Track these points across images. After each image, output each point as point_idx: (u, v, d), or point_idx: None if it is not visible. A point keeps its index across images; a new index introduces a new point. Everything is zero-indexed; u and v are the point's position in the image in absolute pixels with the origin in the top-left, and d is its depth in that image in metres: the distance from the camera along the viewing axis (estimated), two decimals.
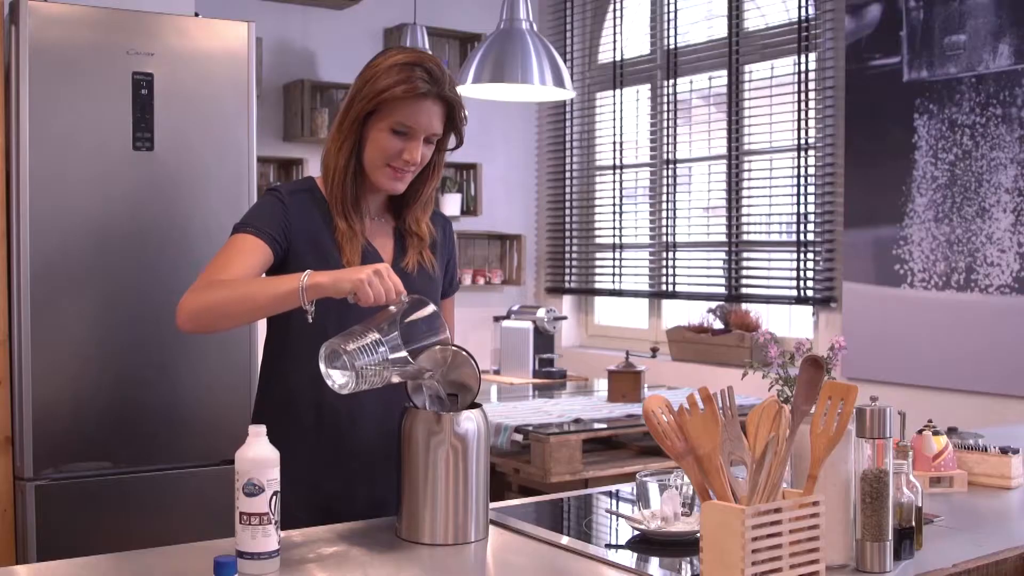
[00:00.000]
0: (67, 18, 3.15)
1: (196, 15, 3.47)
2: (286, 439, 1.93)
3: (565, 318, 6.20)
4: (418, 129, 2.15)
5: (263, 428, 1.76)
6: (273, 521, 1.72)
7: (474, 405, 1.94)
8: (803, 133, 5.31)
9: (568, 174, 6.82)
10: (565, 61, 6.51)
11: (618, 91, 6.46)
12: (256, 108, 3.44)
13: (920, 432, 2.42)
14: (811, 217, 5.28)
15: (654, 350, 5.50)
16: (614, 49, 6.49)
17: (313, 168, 6.11)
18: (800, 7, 5.32)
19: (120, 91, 3.20)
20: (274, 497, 1.73)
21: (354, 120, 2.15)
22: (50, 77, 3.10)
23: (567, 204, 6.84)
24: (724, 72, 5.78)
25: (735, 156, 5.71)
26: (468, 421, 1.88)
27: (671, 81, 6.10)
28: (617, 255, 6.49)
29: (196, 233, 3.30)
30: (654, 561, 1.85)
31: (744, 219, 5.71)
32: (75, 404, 3.16)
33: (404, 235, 2.27)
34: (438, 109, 2.17)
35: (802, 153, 5.32)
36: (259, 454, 1.73)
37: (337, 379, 1.83)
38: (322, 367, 1.84)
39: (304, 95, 6.02)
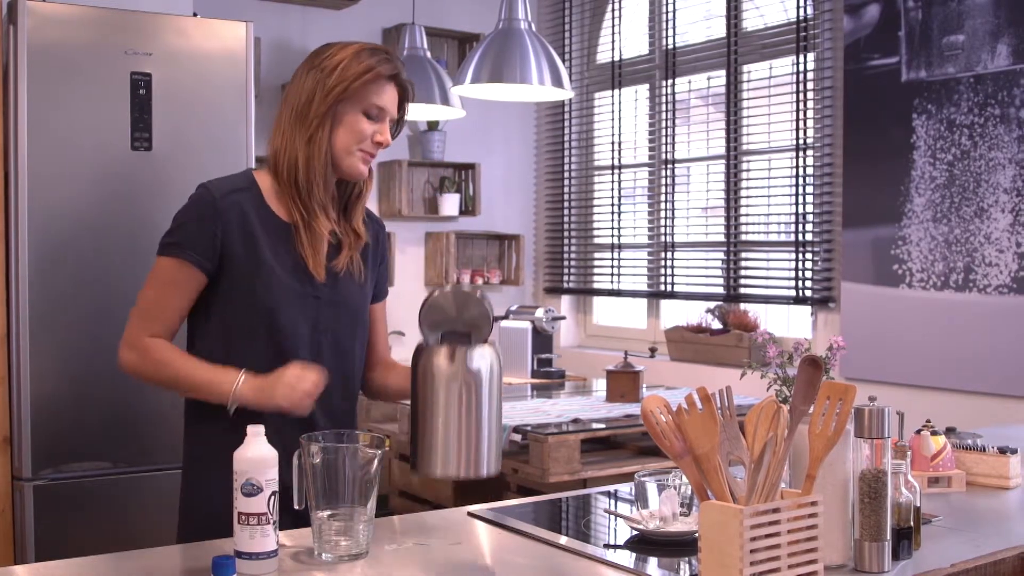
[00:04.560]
0: (65, 18, 3.15)
1: (195, 15, 3.47)
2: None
3: (564, 318, 6.15)
4: (387, 111, 2.20)
5: (261, 428, 1.76)
6: (272, 521, 1.72)
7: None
8: (801, 133, 5.31)
9: (567, 174, 6.82)
10: (564, 61, 6.51)
11: (617, 91, 6.47)
12: (255, 108, 3.44)
13: (918, 432, 2.42)
14: (810, 217, 5.28)
15: (652, 350, 5.51)
16: (612, 49, 6.49)
17: None
18: (799, 7, 5.32)
19: (118, 91, 3.20)
20: (272, 497, 1.73)
21: (327, 108, 2.15)
22: (48, 77, 3.10)
23: (566, 204, 6.84)
24: (723, 72, 5.78)
25: (733, 156, 5.72)
26: (481, 358, 1.86)
27: (670, 81, 6.11)
28: (616, 255, 6.50)
29: None
30: (652, 561, 1.85)
31: (743, 219, 5.71)
32: (74, 404, 3.16)
33: (341, 233, 2.25)
34: (396, 93, 2.23)
35: (800, 153, 5.32)
36: (257, 454, 1.73)
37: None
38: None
39: None
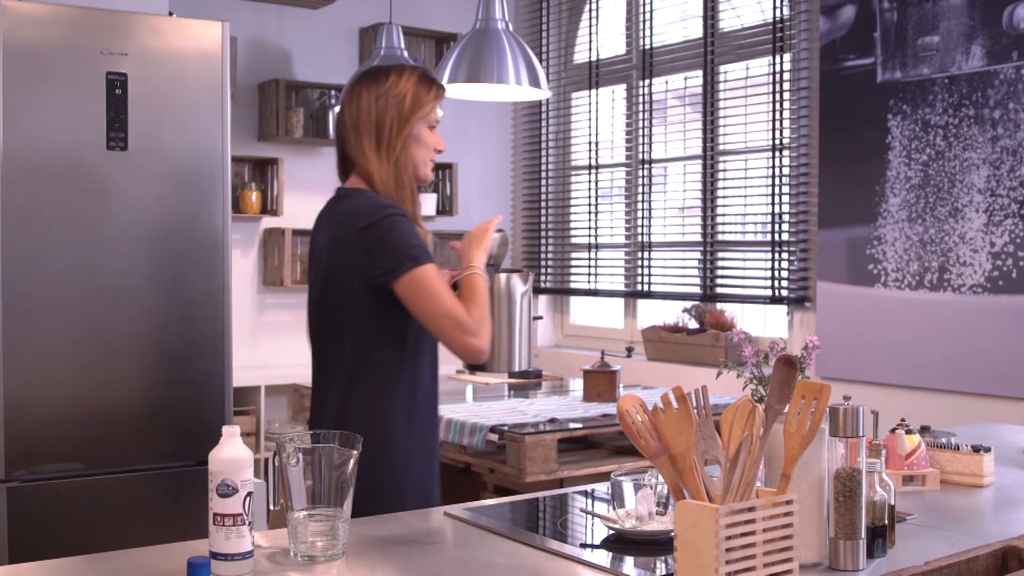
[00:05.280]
0: (41, 17, 3.13)
1: (170, 14, 3.46)
2: (411, 434, 2.43)
3: (540, 318, 6.18)
4: (438, 122, 2.57)
5: (237, 428, 1.75)
6: (247, 522, 1.72)
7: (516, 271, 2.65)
8: (778, 133, 5.33)
9: (544, 174, 6.83)
10: (541, 61, 6.51)
11: (594, 91, 6.47)
12: (230, 108, 3.43)
13: (893, 431, 2.43)
14: (786, 217, 5.30)
15: (629, 350, 5.51)
16: (590, 49, 6.50)
17: (290, 167, 6.10)
18: (775, 8, 5.34)
19: (94, 91, 3.19)
20: (248, 498, 1.72)
21: (407, 131, 2.48)
22: (24, 77, 3.09)
23: (543, 204, 6.84)
24: (699, 72, 5.79)
25: (710, 156, 5.73)
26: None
27: (647, 81, 6.12)
28: (593, 255, 6.50)
29: (170, 233, 3.29)
30: (629, 560, 1.85)
31: (719, 219, 5.72)
32: (48, 405, 3.14)
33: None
34: None
35: (777, 153, 5.34)
36: (233, 454, 1.72)
37: None
38: None
39: (279, 94, 6.00)
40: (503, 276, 2.61)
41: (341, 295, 2.42)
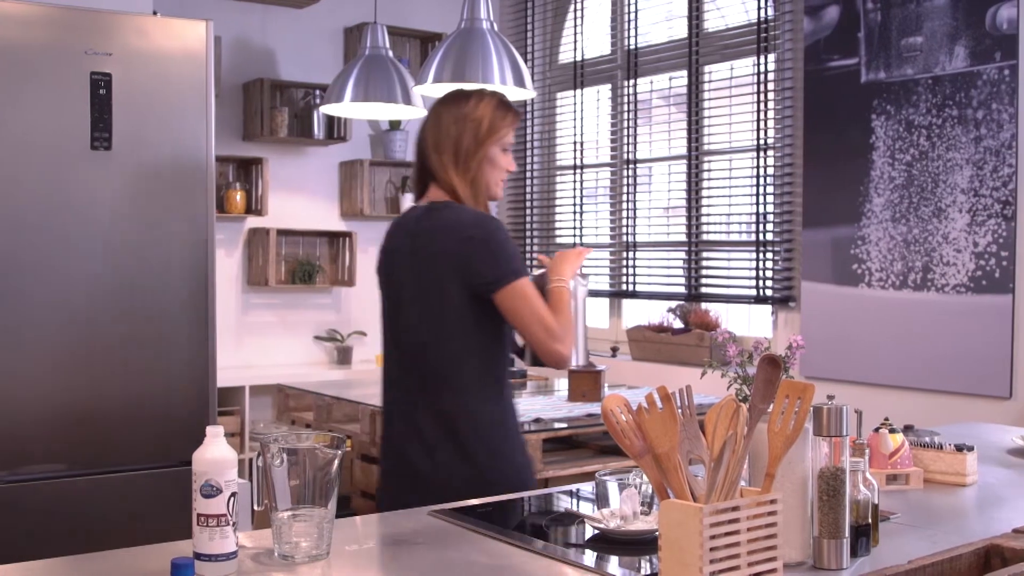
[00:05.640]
0: (25, 17, 3.12)
1: (155, 13, 3.45)
2: (517, 430, 2.68)
3: None
4: (511, 145, 2.76)
5: (220, 429, 1.75)
6: (231, 522, 1.71)
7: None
8: (762, 133, 5.35)
9: (529, 174, 6.83)
10: (526, 61, 6.52)
11: (579, 91, 6.48)
12: (214, 107, 3.42)
13: (877, 430, 2.44)
14: (770, 217, 5.31)
15: (614, 349, 5.52)
16: (575, 49, 6.51)
17: (275, 167, 6.09)
18: (759, 8, 5.35)
19: (78, 91, 3.17)
20: (232, 498, 1.71)
21: (483, 153, 2.66)
22: (7, 77, 3.07)
23: (528, 204, 6.85)
24: (684, 72, 5.80)
25: (695, 156, 5.74)
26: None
27: (631, 81, 6.12)
28: None
29: (153, 232, 3.28)
30: (613, 560, 1.86)
31: (704, 219, 5.73)
32: (29, 406, 3.12)
33: None
34: None
35: (761, 153, 5.35)
36: (217, 455, 1.72)
37: None
38: None
39: (264, 94, 5.99)
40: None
41: (443, 304, 2.57)
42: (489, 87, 4.11)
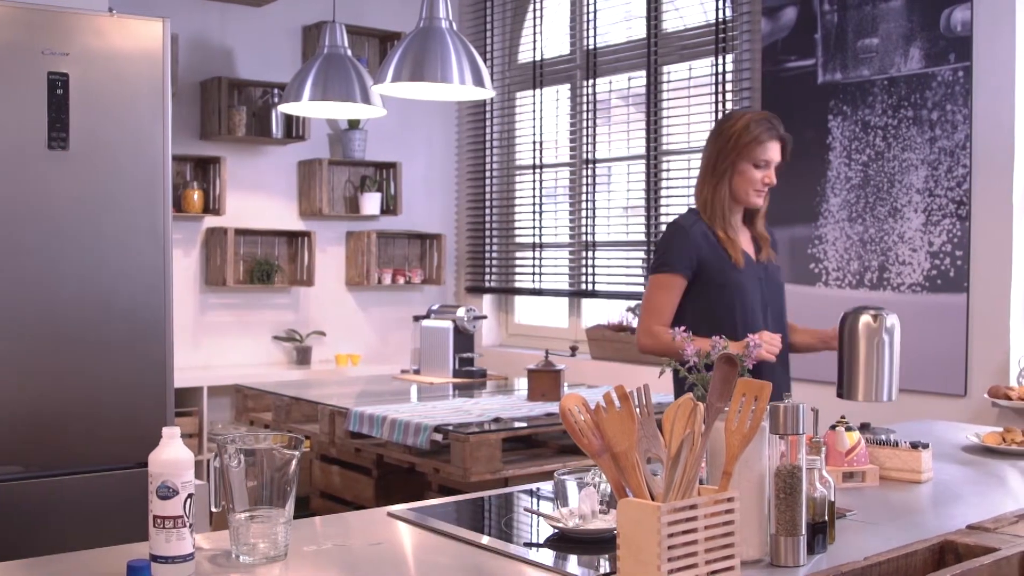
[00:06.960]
0: None
1: (111, 11, 3.42)
2: None
3: (485, 317, 6.20)
4: (772, 161, 3.13)
5: (177, 430, 1.74)
6: (188, 524, 1.70)
7: None
8: None
9: (488, 173, 6.83)
10: (485, 60, 6.51)
11: (538, 91, 6.49)
12: (171, 106, 3.39)
13: (833, 428, 2.46)
14: None
15: (573, 349, 5.53)
16: (534, 49, 6.51)
17: (233, 166, 6.05)
18: (717, 9, 5.38)
19: (35, 91, 3.14)
20: (188, 500, 1.70)
21: (728, 166, 3.11)
22: None
23: (487, 203, 6.85)
24: (643, 73, 5.83)
25: (654, 156, 5.76)
26: (892, 321, 3.07)
27: (590, 81, 6.14)
28: (537, 254, 6.52)
29: (110, 232, 3.25)
30: (572, 559, 1.86)
31: (663, 218, 5.75)
32: None
33: (756, 238, 3.25)
34: (778, 145, 3.15)
35: None
36: (173, 456, 1.71)
37: None
38: None
39: (221, 92, 5.95)
40: (883, 316, 3.05)
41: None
42: (448, 87, 4.11)
